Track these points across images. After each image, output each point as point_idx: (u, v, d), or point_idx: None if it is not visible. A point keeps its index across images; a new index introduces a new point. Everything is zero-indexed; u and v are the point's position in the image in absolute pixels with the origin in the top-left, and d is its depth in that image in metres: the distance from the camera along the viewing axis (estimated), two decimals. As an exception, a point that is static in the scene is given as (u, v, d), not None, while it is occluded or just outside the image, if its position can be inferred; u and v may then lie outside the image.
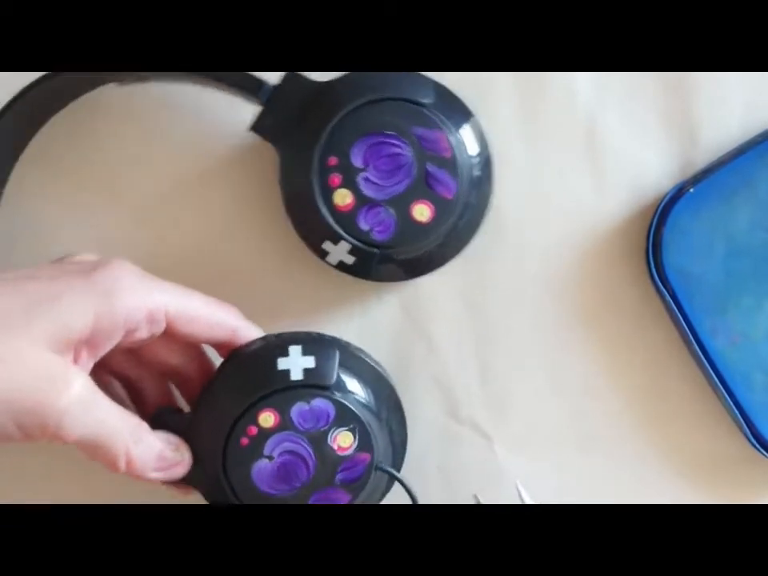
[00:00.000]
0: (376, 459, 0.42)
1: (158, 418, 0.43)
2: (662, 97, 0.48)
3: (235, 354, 0.43)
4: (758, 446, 0.47)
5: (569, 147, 0.48)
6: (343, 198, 0.43)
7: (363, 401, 0.43)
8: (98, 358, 0.40)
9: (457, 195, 0.43)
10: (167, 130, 0.48)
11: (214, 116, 0.47)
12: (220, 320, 0.43)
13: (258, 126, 0.44)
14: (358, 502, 0.42)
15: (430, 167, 0.43)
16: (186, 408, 0.45)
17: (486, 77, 0.48)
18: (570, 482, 0.49)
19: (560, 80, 0.48)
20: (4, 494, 0.48)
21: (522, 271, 0.48)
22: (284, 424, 0.41)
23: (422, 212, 0.43)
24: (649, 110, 0.48)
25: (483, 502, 0.46)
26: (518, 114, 0.48)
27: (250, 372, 0.42)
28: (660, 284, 0.47)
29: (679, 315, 0.47)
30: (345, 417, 0.42)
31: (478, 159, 0.44)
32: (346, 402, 0.42)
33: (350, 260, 0.44)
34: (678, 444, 0.49)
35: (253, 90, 0.44)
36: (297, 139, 0.43)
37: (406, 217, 0.43)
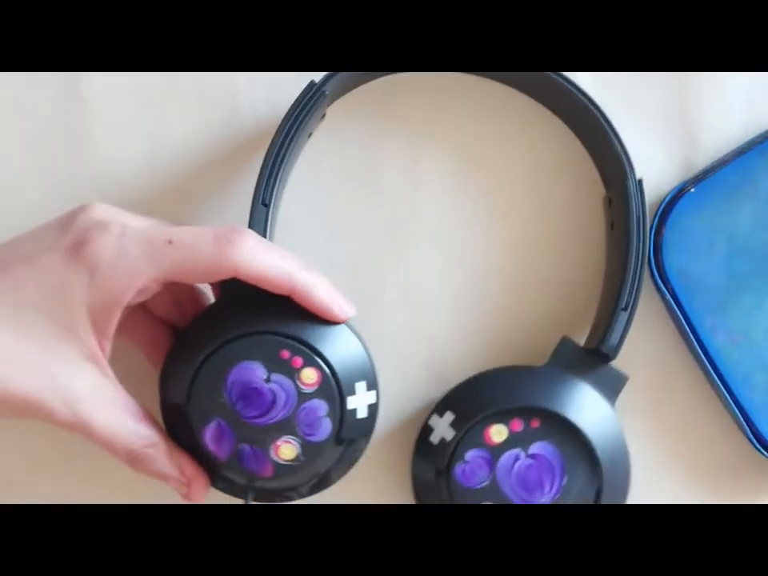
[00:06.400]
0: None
1: None
2: (662, 97, 0.48)
3: None
4: (758, 445, 0.47)
5: (569, 147, 0.48)
6: None
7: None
8: (111, 331, 0.41)
9: None
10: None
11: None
12: (209, 266, 0.41)
13: None
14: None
15: None
16: None
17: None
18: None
19: (560, 80, 0.48)
20: (6, 494, 0.48)
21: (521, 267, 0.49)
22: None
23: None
24: (649, 110, 0.48)
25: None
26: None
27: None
28: (661, 284, 0.47)
29: (680, 315, 0.47)
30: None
31: None
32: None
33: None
34: (678, 444, 0.49)
35: None
36: None
37: None
